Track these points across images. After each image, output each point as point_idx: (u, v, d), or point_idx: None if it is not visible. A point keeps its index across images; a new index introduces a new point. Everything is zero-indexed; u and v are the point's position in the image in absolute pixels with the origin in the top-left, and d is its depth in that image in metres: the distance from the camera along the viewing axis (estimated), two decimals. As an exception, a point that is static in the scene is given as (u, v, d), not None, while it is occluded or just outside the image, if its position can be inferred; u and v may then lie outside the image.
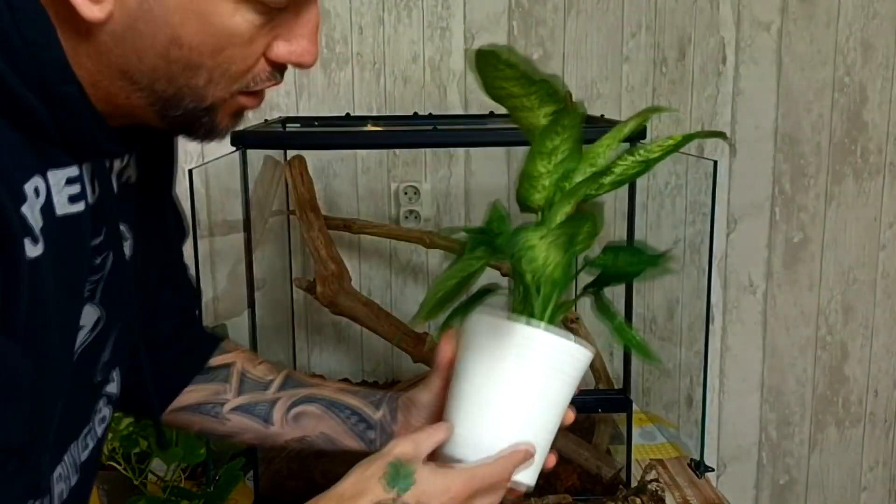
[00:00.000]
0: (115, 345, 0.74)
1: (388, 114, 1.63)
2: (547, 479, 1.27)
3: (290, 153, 1.44)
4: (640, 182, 1.15)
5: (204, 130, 0.63)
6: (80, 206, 0.61)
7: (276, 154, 1.45)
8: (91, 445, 0.75)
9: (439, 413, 0.79)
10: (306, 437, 0.86)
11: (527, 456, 0.70)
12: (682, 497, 1.29)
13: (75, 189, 0.61)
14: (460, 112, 1.64)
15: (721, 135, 0.73)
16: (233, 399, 0.86)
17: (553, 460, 0.76)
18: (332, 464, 1.28)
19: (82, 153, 0.62)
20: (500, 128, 1.50)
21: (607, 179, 0.72)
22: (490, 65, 0.64)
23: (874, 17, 1.70)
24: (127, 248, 0.72)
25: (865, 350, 1.84)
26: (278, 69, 0.63)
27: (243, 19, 0.58)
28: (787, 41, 1.69)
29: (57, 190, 0.59)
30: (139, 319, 0.77)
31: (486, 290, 0.76)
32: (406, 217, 1.64)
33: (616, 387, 1.37)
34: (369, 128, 1.47)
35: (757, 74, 1.70)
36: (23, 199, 0.55)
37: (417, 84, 1.63)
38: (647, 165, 0.72)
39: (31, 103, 0.55)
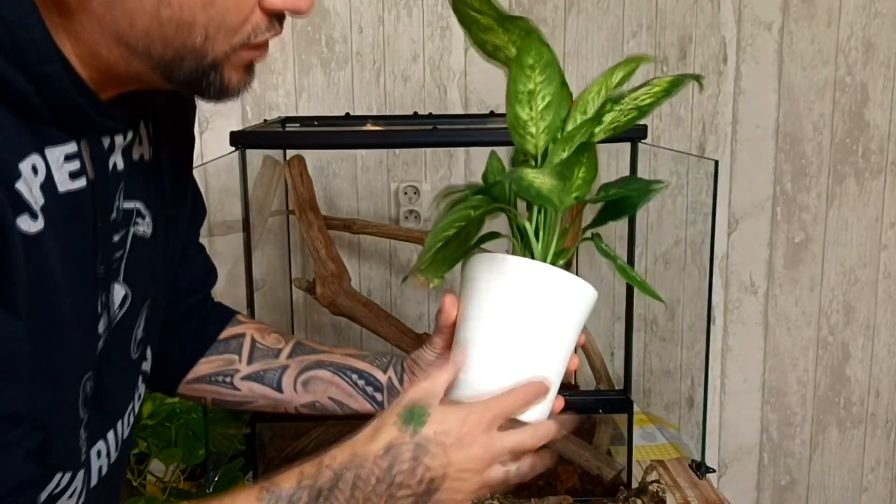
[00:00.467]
0: (148, 322, 0.75)
1: (387, 113, 1.62)
2: (547, 480, 1.26)
3: (290, 153, 1.43)
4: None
5: (214, 89, 0.62)
6: (81, 183, 0.62)
7: (276, 154, 1.45)
8: (132, 423, 0.77)
9: None
10: (316, 401, 0.87)
11: (541, 390, 0.70)
12: (683, 498, 1.28)
13: (75, 165, 0.61)
14: (460, 112, 1.64)
15: (697, 77, 0.73)
16: (244, 368, 0.87)
17: (561, 403, 0.76)
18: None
19: (76, 130, 0.61)
20: (501, 128, 1.50)
21: (598, 128, 0.71)
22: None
23: (875, 16, 1.69)
24: (145, 226, 0.72)
25: (867, 350, 1.83)
26: (276, 18, 0.62)
27: None
28: (788, 40, 1.69)
29: (56, 167, 0.59)
30: (165, 297, 0.78)
31: (486, 236, 0.76)
32: (406, 217, 1.64)
33: (617, 388, 1.37)
34: (369, 127, 1.47)
35: (758, 74, 1.70)
36: (16, 175, 0.55)
37: (417, 84, 1.63)
38: (640, 112, 0.71)
39: (18, 84, 0.55)
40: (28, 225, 0.55)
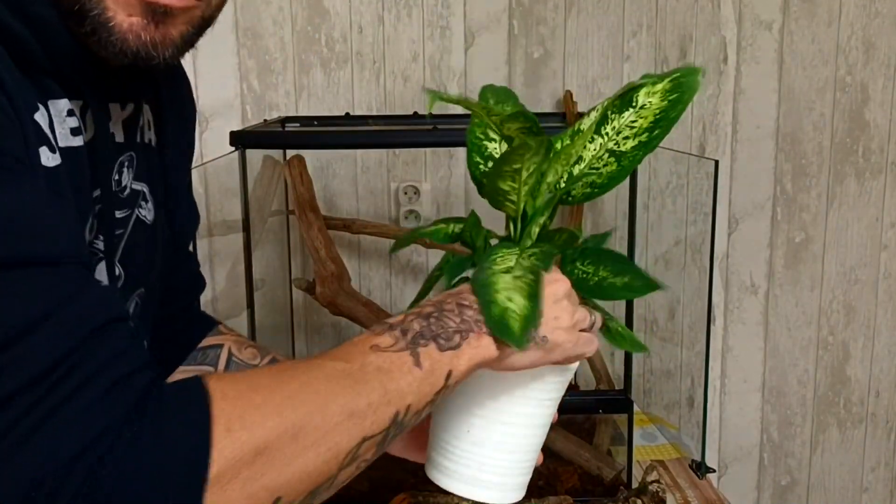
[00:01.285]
0: (140, 313, 0.74)
1: (387, 113, 1.62)
2: (548, 481, 1.26)
3: (290, 153, 1.43)
4: (641, 182, 1.15)
5: (96, 22, 0.57)
6: (79, 141, 0.61)
7: (276, 154, 1.45)
8: None
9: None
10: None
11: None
12: (683, 498, 1.28)
13: (74, 122, 0.60)
14: (460, 112, 1.63)
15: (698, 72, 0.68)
16: None
17: (540, 459, 0.76)
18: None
19: (71, 88, 0.60)
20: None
21: (577, 170, 0.68)
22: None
23: (876, 16, 1.69)
24: (147, 210, 0.71)
25: (867, 351, 1.83)
26: None
27: None
28: (788, 40, 1.69)
29: (59, 121, 0.58)
30: (160, 290, 0.77)
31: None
32: (406, 217, 1.64)
33: (617, 388, 1.37)
34: (369, 127, 1.47)
35: (758, 74, 1.70)
36: (35, 108, 0.54)
37: (417, 83, 1.63)
38: (619, 162, 0.67)
39: (16, 29, 0.55)
40: (48, 158, 0.55)
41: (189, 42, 0.62)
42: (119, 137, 0.67)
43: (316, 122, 1.51)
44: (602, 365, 1.40)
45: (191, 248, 0.93)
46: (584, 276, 0.70)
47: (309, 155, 1.43)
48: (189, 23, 0.61)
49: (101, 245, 0.65)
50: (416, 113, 1.57)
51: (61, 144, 0.58)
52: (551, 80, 1.65)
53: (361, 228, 1.49)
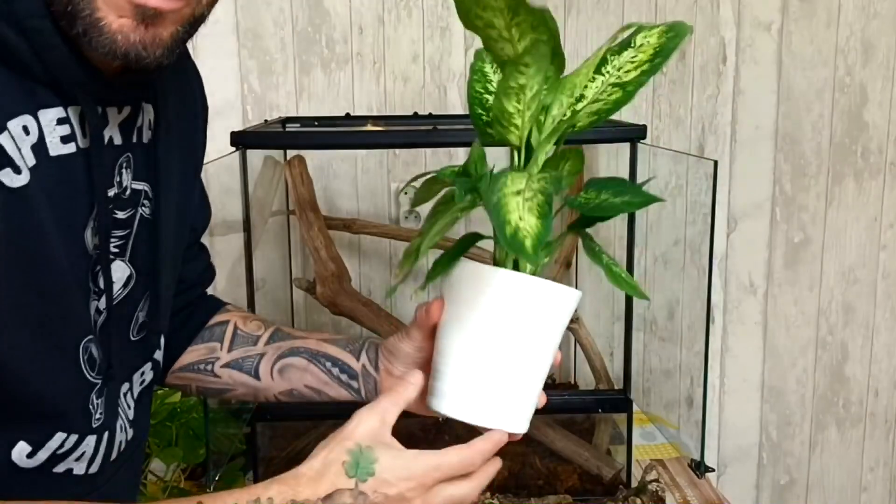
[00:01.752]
0: (154, 309, 0.75)
1: (388, 114, 1.62)
2: (547, 480, 1.26)
3: (290, 153, 1.44)
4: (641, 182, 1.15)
5: (87, 24, 0.57)
6: (71, 148, 0.62)
7: (276, 154, 1.45)
8: (134, 406, 0.77)
9: (420, 364, 0.79)
10: (294, 389, 0.87)
11: (500, 442, 0.70)
12: (682, 497, 1.28)
13: (65, 130, 0.61)
14: (460, 112, 1.64)
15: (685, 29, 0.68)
16: (224, 355, 0.87)
17: (544, 399, 0.75)
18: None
19: (66, 95, 0.61)
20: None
21: (581, 106, 0.68)
22: None
23: (875, 16, 1.70)
24: (150, 207, 0.72)
25: (866, 350, 1.83)
26: None
27: None
28: (787, 41, 1.69)
29: (49, 130, 0.59)
30: (174, 282, 0.79)
31: (470, 240, 0.75)
32: (406, 217, 1.64)
33: (616, 387, 1.37)
34: (369, 128, 1.47)
35: (757, 74, 1.70)
36: (2, 129, 0.55)
37: (417, 84, 1.63)
38: (624, 92, 0.68)
39: (9, 39, 0.55)
40: (10, 179, 0.56)
41: (180, 41, 0.62)
42: (117, 140, 0.68)
43: (316, 123, 1.51)
44: (601, 364, 1.40)
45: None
46: (586, 201, 0.71)
47: (309, 155, 1.44)
48: (179, 22, 0.61)
49: (95, 243, 0.65)
50: (416, 113, 1.57)
51: (52, 153, 0.59)
52: (551, 81, 1.65)
53: (361, 228, 1.50)
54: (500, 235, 0.60)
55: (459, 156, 1.66)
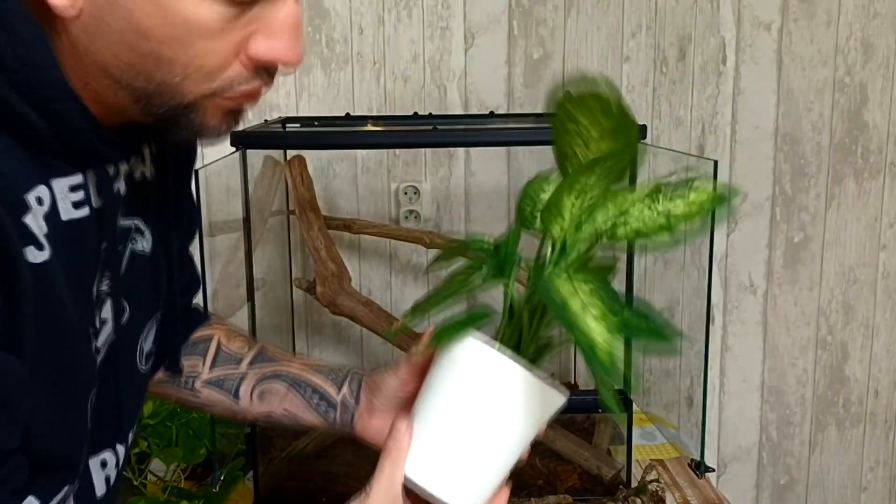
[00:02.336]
0: (159, 335, 0.76)
1: (388, 114, 1.62)
2: (547, 480, 1.26)
3: (290, 153, 1.44)
4: (641, 182, 1.15)
5: (192, 129, 0.61)
6: (84, 211, 0.63)
7: (276, 154, 1.45)
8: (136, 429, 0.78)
9: (403, 402, 0.79)
10: (272, 413, 0.87)
11: None
12: (682, 497, 1.28)
13: (79, 196, 0.62)
14: (460, 112, 1.64)
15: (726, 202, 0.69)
16: (206, 372, 0.88)
17: (506, 495, 0.76)
18: (332, 464, 1.28)
19: (84, 162, 0.63)
20: (501, 128, 1.50)
21: (621, 230, 0.69)
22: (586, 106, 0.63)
23: (875, 16, 1.70)
24: (144, 243, 0.73)
25: (866, 350, 1.83)
26: (264, 69, 0.60)
27: (210, 10, 0.56)
28: (787, 41, 1.69)
29: (62, 197, 0.60)
30: (174, 309, 0.79)
31: (480, 315, 0.73)
32: (406, 217, 1.64)
33: (616, 387, 1.37)
34: (369, 128, 1.47)
35: (757, 74, 1.70)
36: (26, 209, 0.56)
37: (417, 84, 1.63)
38: (670, 224, 0.68)
39: (31, 120, 0.57)
40: (34, 256, 0.57)
41: None
42: (122, 189, 0.69)
43: (316, 123, 1.51)
44: (601, 364, 1.40)
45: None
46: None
47: (309, 155, 1.44)
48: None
49: (103, 289, 0.67)
50: (416, 113, 1.57)
51: (64, 219, 0.60)
52: (551, 81, 1.65)
53: (362, 228, 1.50)
54: (588, 356, 0.61)
55: (459, 155, 1.66)
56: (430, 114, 1.57)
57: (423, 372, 0.75)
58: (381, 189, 1.66)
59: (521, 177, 1.65)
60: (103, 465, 0.72)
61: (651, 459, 1.39)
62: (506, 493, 0.75)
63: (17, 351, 0.56)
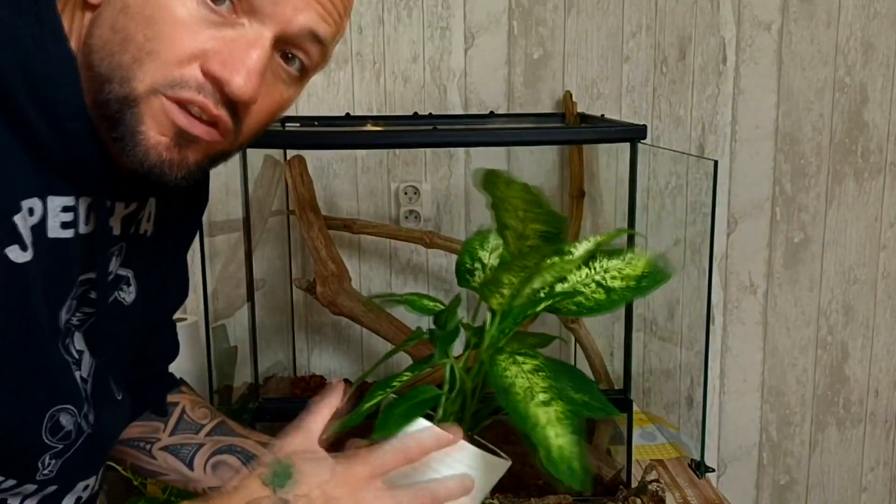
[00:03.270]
0: (95, 381, 0.74)
1: (387, 114, 1.62)
2: (547, 480, 1.26)
3: (290, 153, 1.43)
4: (641, 182, 1.15)
5: (132, 132, 0.59)
6: (69, 233, 0.64)
7: (276, 154, 1.45)
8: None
9: None
10: (223, 487, 0.85)
11: (430, 444, 0.68)
12: (682, 497, 1.28)
13: (68, 217, 0.63)
14: (460, 112, 1.64)
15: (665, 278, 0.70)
16: (165, 438, 0.88)
17: None
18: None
19: (81, 186, 0.63)
20: (500, 128, 1.50)
21: (560, 288, 0.71)
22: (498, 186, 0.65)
23: (875, 16, 1.70)
24: (129, 294, 0.75)
25: (866, 350, 1.83)
26: (214, 85, 0.59)
27: (187, 5, 0.57)
28: (787, 41, 1.69)
29: (53, 214, 0.62)
30: (127, 362, 0.80)
31: (421, 404, 0.71)
32: (406, 217, 1.64)
33: (616, 387, 1.37)
34: (369, 128, 1.47)
35: (757, 74, 1.70)
36: (17, 209, 0.58)
37: (417, 84, 1.63)
38: (608, 295, 0.70)
39: (43, 133, 0.58)
40: (17, 255, 0.58)
41: (203, 169, 0.64)
42: (116, 231, 0.70)
43: (316, 123, 1.51)
44: (601, 364, 1.40)
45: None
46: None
47: (309, 155, 1.44)
48: (208, 152, 0.63)
49: (75, 321, 0.68)
50: (416, 113, 1.57)
51: (50, 236, 0.61)
52: (550, 81, 1.65)
53: (361, 228, 1.49)
54: (545, 459, 0.61)
55: (459, 155, 1.66)
56: (430, 114, 1.57)
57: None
58: (381, 189, 1.66)
59: (521, 177, 1.65)
60: (85, 487, 0.74)
61: (651, 460, 1.39)
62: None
63: None
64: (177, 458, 0.87)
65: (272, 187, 1.46)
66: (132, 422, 0.88)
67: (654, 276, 0.70)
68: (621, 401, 1.26)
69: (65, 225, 0.63)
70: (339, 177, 1.65)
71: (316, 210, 1.38)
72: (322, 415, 0.71)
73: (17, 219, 0.57)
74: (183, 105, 0.59)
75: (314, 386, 1.59)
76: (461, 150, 1.65)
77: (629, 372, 1.26)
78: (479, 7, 1.61)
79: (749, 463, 1.86)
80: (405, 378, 0.71)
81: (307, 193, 1.38)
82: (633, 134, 1.16)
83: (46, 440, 0.68)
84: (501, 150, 1.64)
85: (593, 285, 0.71)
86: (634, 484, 1.25)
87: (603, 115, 1.53)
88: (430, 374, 0.78)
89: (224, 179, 1.55)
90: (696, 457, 1.35)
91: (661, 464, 1.39)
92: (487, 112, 1.60)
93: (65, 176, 0.61)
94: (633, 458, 1.28)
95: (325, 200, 1.61)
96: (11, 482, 0.67)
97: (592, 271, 0.72)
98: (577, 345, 1.43)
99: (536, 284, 0.70)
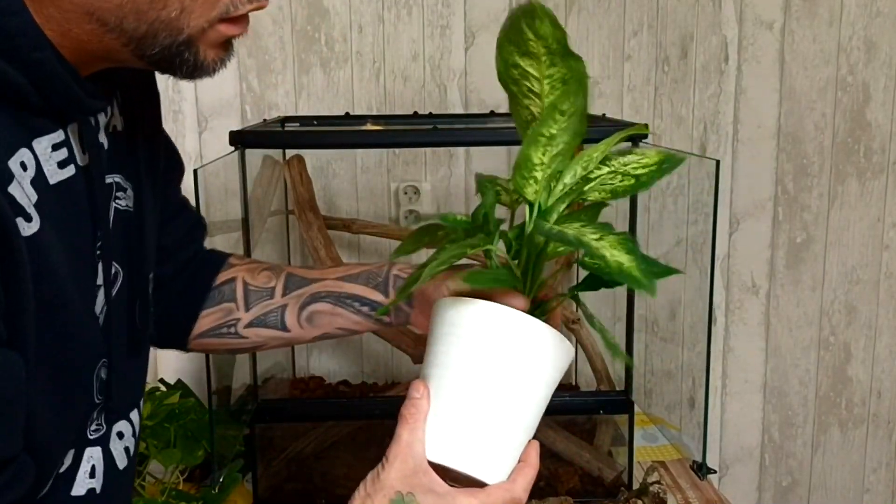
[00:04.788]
0: (144, 294, 0.74)
1: (387, 113, 1.62)
2: (548, 482, 1.26)
3: (290, 153, 1.43)
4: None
5: (188, 67, 0.60)
6: (70, 171, 0.61)
7: (275, 154, 1.44)
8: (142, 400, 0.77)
9: None
10: (326, 334, 0.87)
11: (533, 476, 0.70)
12: (684, 499, 1.28)
13: (62, 154, 0.60)
14: (460, 111, 1.63)
15: (680, 160, 0.71)
16: (244, 315, 0.86)
17: (534, 458, 0.75)
18: (332, 465, 1.28)
19: (65, 116, 0.60)
20: (501, 127, 1.49)
21: (588, 186, 0.70)
22: (528, 20, 0.66)
23: (877, 15, 1.69)
24: (126, 199, 0.71)
25: (869, 351, 1.83)
26: None
27: None
28: (789, 40, 1.69)
29: (45, 159, 0.58)
30: (151, 266, 0.76)
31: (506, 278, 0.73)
32: (406, 217, 1.64)
33: (618, 388, 1.36)
34: (369, 127, 1.46)
35: (759, 73, 1.69)
36: (9, 178, 0.54)
37: (417, 83, 1.63)
38: (637, 179, 0.70)
39: (8, 73, 0.54)
40: (24, 228, 0.55)
41: None
42: (106, 143, 0.67)
43: (316, 122, 1.51)
44: (603, 365, 1.40)
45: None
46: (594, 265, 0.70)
47: (309, 155, 1.43)
48: None
49: (98, 252, 0.65)
50: (416, 113, 1.57)
51: (51, 182, 0.58)
52: (552, 80, 1.64)
53: (361, 228, 1.49)
54: (619, 276, 0.61)
55: (459, 155, 1.65)
56: (430, 113, 1.56)
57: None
58: (380, 189, 1.65)
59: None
60: (120, 436, 0.71)
61: (652, 461, 1.39)
62: (535, 447, 0.73)
63: (19, 338, 0.54)
64: (266, 327, 0.86)
65: (271, 187, 1.45)
66: (200, 311, 0.86)
67: (671, 160, 0.70)
68: (622, 402, 1.25)
69: (62, 164, 0.60)
70: (339, 176, 1.64)
71: (315, 210, 1.38)
72: (420, 431, 0.68)
73: (12, 189, 0.54)
74: (238, 22, 0.61)
75: (313, 387, 1.59)
76: (461, 149, 1.65)
77: (631, 373, 1.25)
78: (480, 6, 1.61)
79: (751, 464, 1.85)
80: (454, 252, 0.69)
81: (306, 193, 1.37)
82: (634, 134, 1.15)
83: (96, 399, 0.67)
84: (502, 149, 1.64)
85: (619, 177, 0.71)
86: (636, 485, 1.25)
87: (604, 115, 1.53)
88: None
89: (223, 179, 1.54)
90: (698, 458, 1.35)
91: (662, 465, 1.38)
92: (488, 111, 1.59)
93: (44, 112, 0.58)
94: (635, 459, 1.28)
95: (324, 200, 1.61)
96: (68, 462, 0.66)
97: (613, 167, 0.72)
98: (579, 345, 1.42)
99: (567, 178, 0.70)
